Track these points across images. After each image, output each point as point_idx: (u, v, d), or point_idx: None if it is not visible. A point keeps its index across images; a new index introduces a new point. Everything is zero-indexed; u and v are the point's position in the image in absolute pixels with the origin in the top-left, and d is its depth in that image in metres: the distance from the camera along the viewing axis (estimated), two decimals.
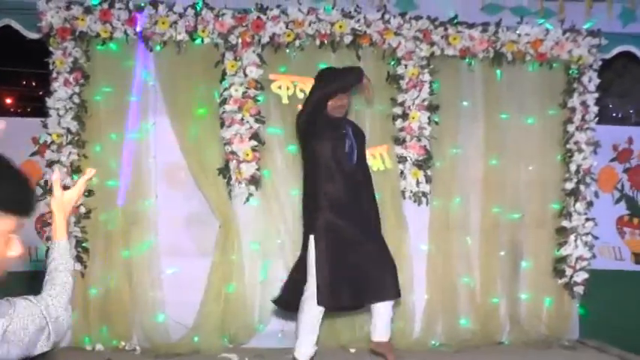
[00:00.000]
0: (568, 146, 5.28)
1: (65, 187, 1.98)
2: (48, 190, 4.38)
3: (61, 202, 1.93)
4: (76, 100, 4.81)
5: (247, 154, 4.86)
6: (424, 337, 5.10)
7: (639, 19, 5.37)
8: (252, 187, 4.91)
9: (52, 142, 4.78)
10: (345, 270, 4.15)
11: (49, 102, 4.80)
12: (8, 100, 12.92)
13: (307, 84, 4.99)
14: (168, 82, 4.97)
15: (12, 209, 1.51)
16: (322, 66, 5.02)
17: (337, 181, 4.19)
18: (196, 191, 4.99)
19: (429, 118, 5.06)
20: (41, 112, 4.94)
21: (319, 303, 4.15)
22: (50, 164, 4.77)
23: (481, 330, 5.17)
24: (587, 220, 5.24)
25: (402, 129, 5.06)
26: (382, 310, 4.31)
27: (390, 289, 4.25)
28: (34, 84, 8.52)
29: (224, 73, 4.90)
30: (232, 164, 4.88)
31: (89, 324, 4.85)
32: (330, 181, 4.20)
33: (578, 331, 5.37)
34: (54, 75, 4.80)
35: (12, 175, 1.51)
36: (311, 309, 4.19)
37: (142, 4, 4.84)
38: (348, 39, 4.97)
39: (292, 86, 5.03)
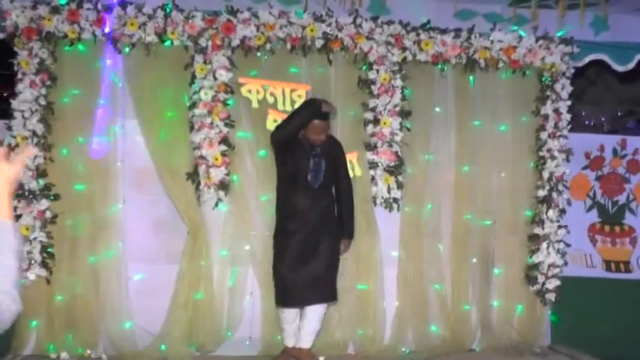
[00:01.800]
0: (541, 153, 5.28)
1: None
2: None
3: (7, 176, 1.75)
4: (42, 102, 4.71)
5: (217, 159, 4.79)
6: (394, 343, 5.05)
7: (611, 28, 5.39)
8: (222, 193, 4.84)
9: (17, 144, 4.68)
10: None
11: (14, 104, 4.70)
12: None
13: (277, 88, 4.96)
14: (136, 84, 4.88)
15: None
16: (293, 70, 5.01)
17: (298, 192, 4.57)
18: (164, 196, 4.90)
19: (400, 123, 5.03)
20: (6, 113, 4.84)
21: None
22: None
23: (452, 337, 5.14)
24: (560, 227, 5.24)
25: (373, 134, 5.03)
26: (309, 315, 4.52)
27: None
28: None
29: (193, 76, 4.83)
30: (201, 169, 4.81)
31: (54, 331, 4.74)
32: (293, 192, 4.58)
33: (549, 338, 5.37)
34: (19, 76, 4.70)
35: None
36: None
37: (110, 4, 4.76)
38: (319, 43, 4.92)
39: (262, 90, 4.97)
